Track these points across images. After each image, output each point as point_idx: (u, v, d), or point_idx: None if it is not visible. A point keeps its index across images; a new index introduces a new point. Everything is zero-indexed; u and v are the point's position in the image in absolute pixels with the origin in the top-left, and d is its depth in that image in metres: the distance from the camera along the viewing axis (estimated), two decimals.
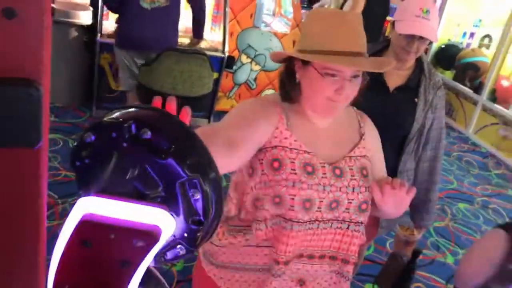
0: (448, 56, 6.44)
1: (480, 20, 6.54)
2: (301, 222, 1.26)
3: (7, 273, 0.52)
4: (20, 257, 0.52)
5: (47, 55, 0.44)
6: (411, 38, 1.83)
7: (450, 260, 3.29)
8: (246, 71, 4.75)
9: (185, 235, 0.66)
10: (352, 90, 1.25)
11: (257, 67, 4.77)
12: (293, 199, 1.24)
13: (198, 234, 0.66)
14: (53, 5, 3.82)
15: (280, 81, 1.35)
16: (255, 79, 4.83)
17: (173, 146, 0.62)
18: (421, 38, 1.83)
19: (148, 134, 0.63)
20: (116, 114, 0.67)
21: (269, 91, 4.91)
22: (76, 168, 0.69)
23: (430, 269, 3.16)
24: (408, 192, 1.24)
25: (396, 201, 1.26)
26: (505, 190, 4.58)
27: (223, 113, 4.76)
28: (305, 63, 1.25)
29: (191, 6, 3.63)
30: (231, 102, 4.86)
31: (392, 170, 1.97)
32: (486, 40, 6.52)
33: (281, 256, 1.28)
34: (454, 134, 5.84)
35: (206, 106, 3.91)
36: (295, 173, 1.25)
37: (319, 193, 1.26)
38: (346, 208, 1.31)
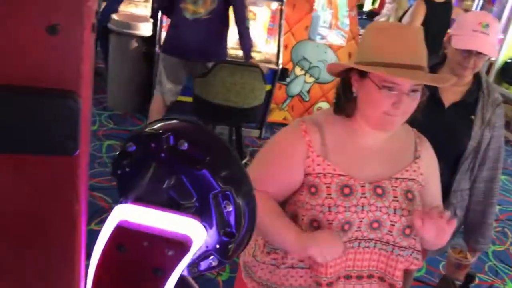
0: None
1: None
2: None
3: (45, 279, 0.54)
4: (57, 263, 0.55)
5: (86, 68, 0.47)
6: (468, 53, 1.76)
7: (509, 286, 3.11)
8: (300, 83, 4.75)
9: (217, 246, 0.67)
10: (410, 105, 1.21)
11: (311, 79, 4.76)
12: (331, 223, 1.23)
13: (230, 246, 0.67)
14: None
15: (336, 94, 1.33)
16: (308, 91, 4.82)
17: (208, 158, 0.64)
18: (479, 53, 1.76)
19: (185, 146, 0.65)
20: (156, 125, 0.69)
21: (322, 104, 4.88)
22: (117, 176, 0.72)
23: None
24: (449, 223, 1.20)
25: (436, 231, 1.22)
26: None
27: (275, 124, 4.80)
28: (362, 75, 1.23)
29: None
30: (283, 114, 4.87)
31: (446, 189, 1.90)
32: None
33: (322, 278, 1.25)
34: None
35: (258, 117, 3.91)
36: (331, 198, 1.23)
37: (358, 213, 1.24)
38: (389, 231, 1.27)
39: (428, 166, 1.37)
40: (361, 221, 1.25)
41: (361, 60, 1.23)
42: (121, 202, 0.69)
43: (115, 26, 4.20)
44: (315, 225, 1.25)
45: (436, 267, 3.13)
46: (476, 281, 2.37)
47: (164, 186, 0.66)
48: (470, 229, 2.03)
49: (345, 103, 1.28)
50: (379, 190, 1.27)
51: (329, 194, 1.24)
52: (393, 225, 1.27)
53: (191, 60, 3.50)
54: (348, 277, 1.30)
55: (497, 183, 1.97)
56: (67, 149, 0.50)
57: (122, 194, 0.72)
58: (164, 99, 3.67)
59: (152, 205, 0.65)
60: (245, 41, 3.46)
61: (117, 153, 0.72)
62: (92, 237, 0.66)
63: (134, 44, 4.28)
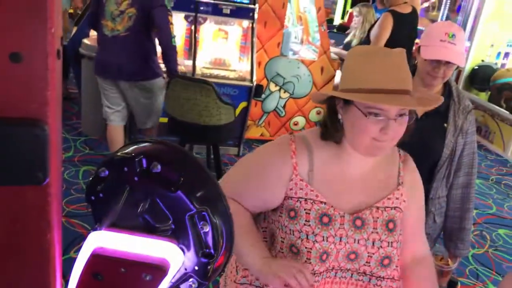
0: (482, 77, 6.30)
1: None
2: (318, 273, 1.24)
3: None
4: None
5: (53, 95, 0.46)
6: (437, 63, 1.80)
7: None
8: (275, 99, 4.79)
9: (196, 268, 0.66)
10: (398, 129, 1.18)
11: (285, 95, 4.80)
12: (309, 252, 1.22)
13: (209, 267, 0.66)
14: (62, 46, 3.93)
15: (323, 121, 1.30)
16: (284, 107, 4.85)
17: (182, 179, 0.63)
18: (447, 63, 1.80)
19: (158, 168, 0.64)
20: (128, 149, 0.68)
21: (298, 118, 4.92)
22: (91, 202, 0.71)
23: None
24: None
25: None
26: None
27: (253, 141, 4.80)
28: (347, 102, 1.20)
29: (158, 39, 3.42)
30: (260, 130, 4.89)
31: (424, 197, 1.92)
32: None
33: None
34: (491, 157, 5.66)
35: (228, 136, 3.87)
36: (309, 225, 1.22)
37: (336, 244, 1.23)
38: (367, 262, 1.27)
39: (411, 189, 1.36)
40: (338, 252, 1.24)
41: (345, 86, 1.21)
42: (95, 229, 0.68)
43: (87, 50, 4.18)
44: (295, 251, 1.24)
45: None
46: (459, 286, 2.39)
47: (138, 210, 0.65)
48: (450, 236, 2.05)
49: (332, 130, 1.26)
50: (358, 222, 1.25)
51: (308, 221, 1.23)
52: (371, 256, 1.26)
53: (115, 79, 3.43)
54: None
55: (473, 188, 2.00)
56: (36, 178, 0.49)
57: (97, 220, 0.71)
58: (112, 124, 3.59)
59: (127, 230, 0.64)
60: (169, 59, 3.37)
61: (90, 179, 0.70)
62: (71, 265, 0.64)
63: None
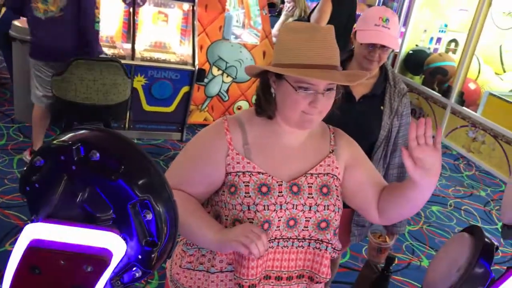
0: (416, 61, 6.57)
1: (446, 25, 6.70)
2: None
3: None
4: None
5: None
6: (373, 47, 1.86)
7: (425, 263, 3.33)
8: (218, 83, 4.76)
9: (140, 257, 0.65)
10: (326, 103, 1.25)
11: (228, 79, 4.78)
12: (251, 222, 1.24)
13: (153, 256, 0.65)
14: None
15: (256, 95, 1.34)
16: (227, 91, 4.83)
17: (123, 167, 0.62)
18: (382, 46, 1.86)
19: (96, 156, 0.62)
20: (65, 136, 0.66)
21: (242, 102, 4.92)
22: (26, 194, 0.68)
23: (405, 273, 3.19)
24: (436, 147, 1.16)
25: (429, 161, 1.16)
26: (476, 191, 4.68)
27: (196, 126, 4.77)
28: (279, 76, 1.25)
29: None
30: (204, 114, 4.85)
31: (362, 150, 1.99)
32: (453, 45, 6.69)
33: (244, 280, 1.27)
34: None
35: (123, 114, 3.85)
36: (250, 196, 1.25)
37: (277, 212, 1.27)
38: (305, 227, 1.31)
39: (346, 156, 1.41)
40: (279, 220, 1.27)
41: (277, 61, 1.26)
42: (32, 221, 0.66)
43: (18, 33, 3.94)
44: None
45: (359, 252, 3.28)
46: (396, 261, 2.52)
47: (77, 200, 0.63)
48: None
49: (265, 104, 1.30)
50: (294, 188, 1.30)
51: (247, 193, 1.26)
52: (308, 220, 1.31)
53: (56, 61, 3.34)
54: (267, 277, 1.32)
55: None
56: None
57: (33, 211, 0.68)
58: (41, 106, 3.55)
59: (66, 220, 0.62)
60: (88, 44, 3.32)
61: (24, 169, 0.67)
62: (7, 258, 0.61)
63: None
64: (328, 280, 1.38)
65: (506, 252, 3.62)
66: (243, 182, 1.26)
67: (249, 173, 1.27)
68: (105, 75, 3.30)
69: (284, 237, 1.30)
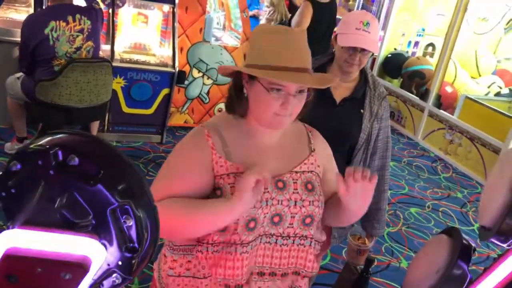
0: (395, 64, 6.66)
1: (423, 30, 6.82)
2: (245, 244, 1.26)
3: None
4: None
5: None
6: (353, 50, 1.87)
7: (404, 264, 3.37)
8: (198, 85, 4.74)
9: (120, 263, 0.64)
10: (297, 105, 1.27)
11: (209, 81, 4.77)
12: (236, 222, 1.24)
13: (133, 262, 0.64)
14: None
15: (228, 94, 1.36)
16: (207, 93, 4.82)
17: (102, 172, 0.61)
18: (363, 50, 1.88)
19: (75, 161, 0.61)
20: (42, 141, 0.64)
21: (222, 105, 4.91)
22: (1, 199, 0.66)
23: (385, 274, 3.22)
24: (370, 180, 1.25)
25: (360, 191, 1.26)
26: (453, 193, 4.76)
27: (177, 128, 4.73)
28: (252, 77, 1.27)
29: None
30: (184, 117, 4.82)
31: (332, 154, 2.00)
32: (430, 49, 6.81)
33: (230, 281, 1.26)
34: (403, 140, 6.03)
35: (105, 112, 3.89)
36: None
37: (263, 209, 1.27)
38: (290, 223, 1.31)
39: (323, 156, 1.45)
40: (264, 217, 1.28)
41: (250, 62, 1.27)
42: (8, 228, 0.64)
43: None
44: (221, 228, 1.25)
45: (339, 254, 3.30)
46: (375, 263, 2.54)
47: (55, 206, 0.62)
48: (366, 216, 2.14)
49: (237, 103, 1.32)
50: (280, 184, 1.31)
51: (233, 194, 1.24)
52: (293, 216, 1.31)
53: None
54: (260, 273, 1.32)
55: (387, 170, 2.12)
56: None
57: (9, 218, 0.66)
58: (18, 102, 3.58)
59: (44, 227, 0.60)
60: None
61: (0, 173, 0.66)
62: None
63: (16, 52, 3.97)
64: (314, 273, 1.39)
65: (482, 253, 3.69)
66: (228, 184, 1.26)
67: (233, 174, 1.27)
68: (97, 75, 3.33)
69: (267, 233, 1.30)
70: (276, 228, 1.30)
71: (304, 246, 1.35)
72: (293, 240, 1.33)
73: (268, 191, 1.28)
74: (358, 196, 1.27)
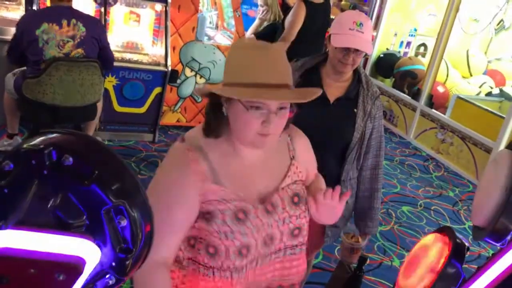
0: (387, 64, 6.69)
1: (415, 30, 6.85)
2: (239, 269, 1.25)
3: None
4: None
5: None
6: (347, 50, 1.87)
7: (396, 263, 3.38)
8: (191, 84, 4.73)
9: (113, 264, 0.64)
10: (279, 122, 1.21)
11: (202, 80, 4.76)
12: (228, 250, 1.22)
13: (127, 262, 0.64)
14: None
15: (206, 115, 1.29)
16: None
17: (96, 172, 0.60)
18: (356, 50, 1.88)
19: (69, 161, 0.61)
20: (36, 140, 0.64)
21: None
22: None
23: (377, 273, 3.23)
24: (340, 200, 1.30)
25: (329, 211, 1.32)
26: (445, 191, 4.78)
27: (169, 127, 4.71)
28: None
29: None
30: (177, 116, 4.81)
31: (336, 179, 2.01)
32: (422, 49, 6.84)
33: None
34: (396, 139, 6.05)
35: (95, 113, 3.77)
36: (227, 225, 1.22)
37: (254, 235, 1.25)
38: (280, 239, 1.31)
39: (303, 156, 1.42)
40: (257, 242, 1.26)
41: (227, 80, 1.21)
42: (0, 228, 0.63)
43: None
44: (211, 252, 1.24)
45: (332, 252, 3.30)
46: (368, 261, 2.54)
47: (49, 206, 0.61)
48: (360, 215, 2.17)
49: (215, 125, 1.25)
50: (269, 207, 1.29)
51: (224, 221, 1.22)
52: (282, 233, 1.31)
53: None
54: None
55: (380, 169, 2.12)
56: None
57: (1, 218, 0.65)
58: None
59: (37, 227, 0.60)
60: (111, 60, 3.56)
61: None
62: None
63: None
64: (302, 279, 1.40)
65: (474, 251, 3.72)
66: (219, 210, 1.22)
67: (224, 201, 1.23)
68: (83, 75, 3.25)
69: (261, 255, 1.29)
70: (268, 248, 1.30)
71: (295, 254, 1.35)
72: (284, 253, 1.33)
73: (259, 218, 1.26)
74: (326, 214, 1.34)
